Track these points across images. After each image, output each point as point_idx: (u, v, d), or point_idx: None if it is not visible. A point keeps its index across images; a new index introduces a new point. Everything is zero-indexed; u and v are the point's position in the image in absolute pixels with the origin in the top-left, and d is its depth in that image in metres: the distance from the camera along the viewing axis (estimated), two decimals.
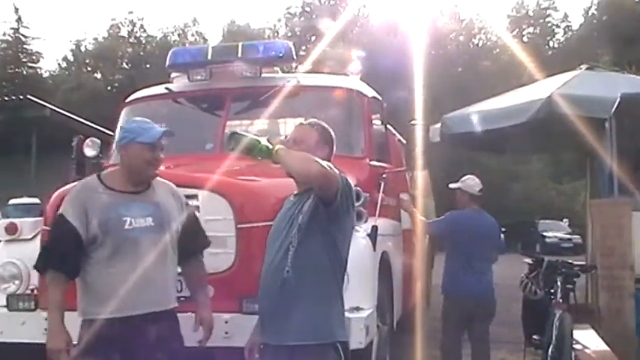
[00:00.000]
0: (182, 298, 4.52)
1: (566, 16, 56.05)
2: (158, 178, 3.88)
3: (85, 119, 11.84)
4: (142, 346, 3.60)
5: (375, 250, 4.85)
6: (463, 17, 50.86)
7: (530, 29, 55.45)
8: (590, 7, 50.45)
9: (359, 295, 4.49)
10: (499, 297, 6.80)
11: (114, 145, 3.91)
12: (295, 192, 3.66)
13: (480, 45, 51.64)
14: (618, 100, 6.83)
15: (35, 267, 3.74)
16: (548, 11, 55.74)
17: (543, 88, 7.77)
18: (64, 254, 3.58)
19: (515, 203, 38.39)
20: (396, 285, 6.00)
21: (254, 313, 4.13)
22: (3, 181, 8.71)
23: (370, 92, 6.51)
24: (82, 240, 3.56)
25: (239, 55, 6.05)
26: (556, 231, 33.42)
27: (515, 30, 53.10)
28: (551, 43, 54.76)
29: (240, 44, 6.13)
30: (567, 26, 55.91)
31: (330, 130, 3.83)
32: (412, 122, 5.95)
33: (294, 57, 6.36)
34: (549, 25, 55.62)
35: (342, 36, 38.55)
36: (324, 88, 6.30)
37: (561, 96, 7.04)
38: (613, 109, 6.87)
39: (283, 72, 6.56)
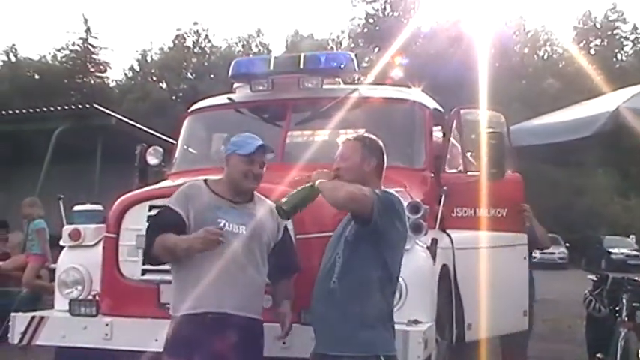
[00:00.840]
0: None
1: (635, 28, 54.67)
2: (262, 197, 4.11)
3: (149, 128, 12.05)
4: (214, 346, 3.69)
5: (434, 262, 4.78)
6: (528, 29, 50.36)
7: (598, 41, 54.52)
8: None
9: (417, 308, 4.48)
10: (563, 314, 6.67)
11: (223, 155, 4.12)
12: None
13: (545, 57, 50.95)
14: None
15: (145, 256, 4.00)
16: (617, 23, 54.80)
17: (609, 101, 7.58)
18: (164, 230, 3.79)
19: (581, 218, 37.69)
20: (464, 299, 5.79)
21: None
22: (68, 188, 8.86)
23: (432, 104, 6.45)
24: (184, 222, 3.79)
25: (301, 66, 6.02)
26: (622, 247, 32.76)
27: (581, 42, 52.26)
28: (619, 56, 53.75)
29: (302, 55, 6.13)
30: (636, 38, 54.79)
31: (378, 141, 3.92)
32: (489, 130, 5.88)
33: (357, 68, 6.33)
34: (617, 37, 54.61)
35: (406, 47, 38.48)
36: (385, 99, 6.25)
37: (628, 109, 6.84)
38: None
39: (345, 83, 6.54)
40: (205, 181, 4.04)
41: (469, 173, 6.14)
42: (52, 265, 8.96)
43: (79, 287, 5.14)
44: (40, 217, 9.89)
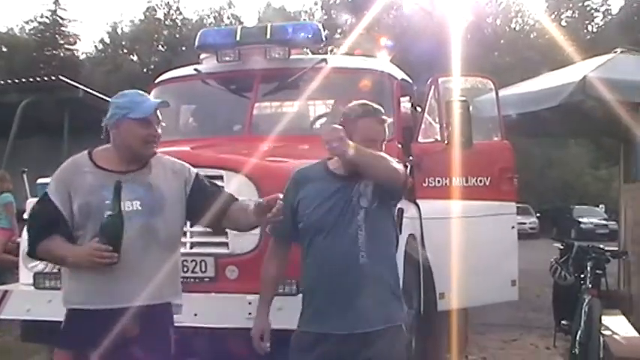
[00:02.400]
0: (207, 279, 4.61)
1: None
2: (160, 156, 3.49)
3: None
4: (120, 343, 3.22)
5: (400, 232, 4.80)
6: (500, 1, 50.41)
7: (569, 13, 54.70)
8: None
9: None
10: (532, 282, 6.74)
11: (106, 124, 3.39)
12: (335, 171, 3.46)
13: (516, 29, 51.10)
14: None
15: (28, 254, 3.52)
16: None
17: (577, 71, 7.68)
18: (46, 230, 3.30)
19: (552, 188, 38.13)
20: (435, 269, 5.82)
21: (277, 295, 4.18)
22: (36, 162, 8.81)
23: (400, 74, 6.45)
24: (65, 220, 3.27)
25: (268, 36, 6.01)
26: (592, 217, 33.16)
27: (553, 14, 52.42)
28: (590, 27, 53.99)
29: (269, 25, 6.10)
30: (607, 10, 55.08)
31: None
32: (459, 99, 5.89)
33: (324, 39, 6.31)
34: (588, 8, 54.81)
35: (379, 20, 38.41)
36: (352, 70, 6.24)
37: (595, 79, 6.94)
38: None
39: (314, 54, 6.51)
40: (90, 152, 3.41)
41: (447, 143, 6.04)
42: (19, 239, 8.91)
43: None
44: (8, 190, 9.83)
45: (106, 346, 3.18)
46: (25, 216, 5.32)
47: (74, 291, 3.31)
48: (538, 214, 34.12)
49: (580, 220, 32.84)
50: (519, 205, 29.22)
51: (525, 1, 51.44)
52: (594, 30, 53.33)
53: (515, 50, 43.48)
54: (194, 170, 3.55)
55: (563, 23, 50.66)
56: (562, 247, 7.11)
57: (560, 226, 31.74)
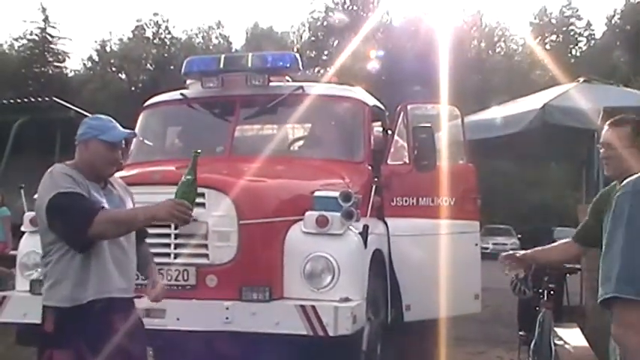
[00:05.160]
0: (188, 287, 4.98)
1: (589, 24, 55.83)
2: (114, 177, 3.80)
3: None
4: (108, 334, 3.49)
5: (366, 247, 5.21)
6: (485, 24, 51.08)
7: (553, 37, 55.43)
8: (614, 15, 50.54)
9: (348, 288, 4.89)
10: (506, 301, 6.98)
11: (77, 140, 3.67)
12: None
13: (500, 53, 51.72)
14: (601, 112, 7.16)
15: (79, 249, 3.49)
16: (572, 19, 55.77)
17: (539, 99, 8.10)
18: (90, 211, 3.42)
19: (533, 210, 38.49)
20: (402, 282, 6.23)
21: (252, 301, 4.60)
22: (27, 178, 9.15)
23: (372, 101, 6.88)
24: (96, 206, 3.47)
25: (249, 64, 6.41)
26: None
27: (537, 38, 53.14)
28: (574, 51, 54.70)
29: (250, 55, 6.53)
30: (590, 34, 55.93)
31: None
32: (418, 125, 6.30)
33: (301, 67, 6.71)
34: (572, 33, 55.58)
35: (365, 41, 38.91)
36: (327, 96, 6.64)
37: (554, 107, 7.37)
38: (599, 121, 7.20)
39: (294, 81, 6.83)
40: (68, 166, 3.63)
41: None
42: (12, 252, 9.26)
43: (39, 269, 5.48)
44: (2, 205, 10.17)
45: (108, 338, 3.47)
46: (23, 229, 5.76)
47: (81, 285, 3.47)
48: (519, 236, 34.44)
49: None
50: (501, 226, 29.13)
51: (510, 25, 52.16)
52: (578, 54, 54.03)
53: (498, 73, 44.02)
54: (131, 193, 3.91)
55: (548, 47, 51.28)
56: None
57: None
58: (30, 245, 5.63)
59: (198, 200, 4.61)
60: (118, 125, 3.72)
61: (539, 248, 4.70)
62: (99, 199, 3.54)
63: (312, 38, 51.04)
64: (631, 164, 3.28)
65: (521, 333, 6.98)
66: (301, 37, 53.28)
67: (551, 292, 6.64)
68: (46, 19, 48.29)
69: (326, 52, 47.03)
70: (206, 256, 4.97)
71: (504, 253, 4.36)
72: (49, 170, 3.66)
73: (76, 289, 3.48)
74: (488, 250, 23.16)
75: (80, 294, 3.47)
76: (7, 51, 49.88)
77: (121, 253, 3.60)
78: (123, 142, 3.74)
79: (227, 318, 4.67)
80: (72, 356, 3.47)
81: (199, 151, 3.52)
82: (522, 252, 4.22)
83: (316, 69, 7.42)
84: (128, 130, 3.84)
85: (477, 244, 7.21)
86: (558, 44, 53.72)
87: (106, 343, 3.45)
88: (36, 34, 48.55)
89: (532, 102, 8.35)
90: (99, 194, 3.56)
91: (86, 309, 3.47)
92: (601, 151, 3.56)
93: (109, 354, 3.45)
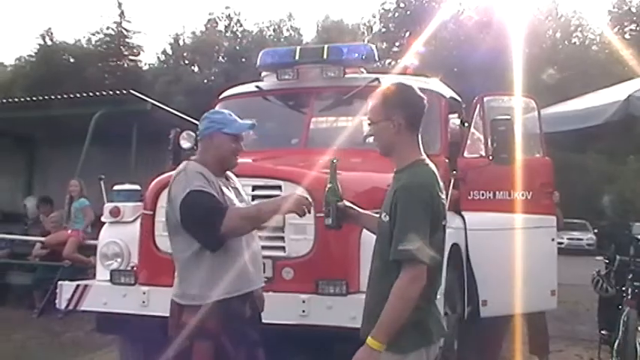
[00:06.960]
0: (265, 280, 4.98)
1: None
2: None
3: (181, 112, 12.38)
4: (242, 325, 3.78)
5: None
6: (560, 14, 49.93)
7: (633, 26, 53.79)
8: None
9: None
10: (583, 297, 6.82)
11: (199, 135, 3.92)
12: None
13: (576, 43, 50.49)
14: None
15: (212, 249, 3.64)
16: None
17: (622, 90, 7.84)
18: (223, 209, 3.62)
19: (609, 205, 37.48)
20: (478, 277, 6.14)
21: (328, 295, 4.58)
22: (105, 169, 9.33)
23: (448, 93, 6.78)
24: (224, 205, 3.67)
25: (324, 56, 6.42)
26: None
27: (616, 27, 51.63)
28: None
29: (325, 47, 6.50)
30: None
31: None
32: (497, 117, 6.14)
33: (377, 59, 6.67)
34: None
35: (437, 33, 38.51)
36: None
37: (638, 99, 7.11)
38: None
39: (368, 72, 6.84)
40: (199, 163, 3.82)
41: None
42: (88, 242, 9.50)
43: (119, 259, 5.60)
44: (83, 196, 10.42)
45: (241, 330, 3.72)
46: (103, 219, 5.87)
47: (216, 282, 3.65)
48: (595, 230, 33.64)
49: (639, 237, 32.27)
50: (576, 220, 28.35)
51: (587, 14, 50.85)
52: None
53: (574, 64, 42.98)
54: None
55: (627, 36, 49.81)
56: (607, 261, 7.30)
57: (619, 243, 31.21)
58: (110, 235, 5.76)
59: (274, 193, 4.64)
60: (237, 118, 3.95)
61: None
62: (229, 195, 3.77)
63: (383, 30, 50.61)
64: None
65: (603, 332, 6.80)
66: (371, 29, 52.95)
67: (636, 290, 6.46)
68: (121, 14, 49.38)
69: (397, 44, 46.63)
70: (282, 248, 4.98)
71: None
72: (181, 167, 3.82)
73: (208, 287, 3.64)
74: (563, 245, 22.72)
75: (214, 291, 3.63)
76: (84, 45, 51.00)
77: (255, 245, 3.85)
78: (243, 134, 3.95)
79: (303, 311, 4.65)
80: (212, 348, 3.62)
81: (336, 160, 3.64)
82: None
83: (387, 60, 7.31)
84: (249, 122, 4.02)
85: (553, 239, 7.06)
86: (638, 34, 52.11)
87: (240, 334, 3.71)
88: (112, 29, 49.62)
89: (614, 93, 8.07)
90: (228, 190, 3.81)
91: (224, 305, 3.64)
92: None
93: (243, 343, 3.71)
